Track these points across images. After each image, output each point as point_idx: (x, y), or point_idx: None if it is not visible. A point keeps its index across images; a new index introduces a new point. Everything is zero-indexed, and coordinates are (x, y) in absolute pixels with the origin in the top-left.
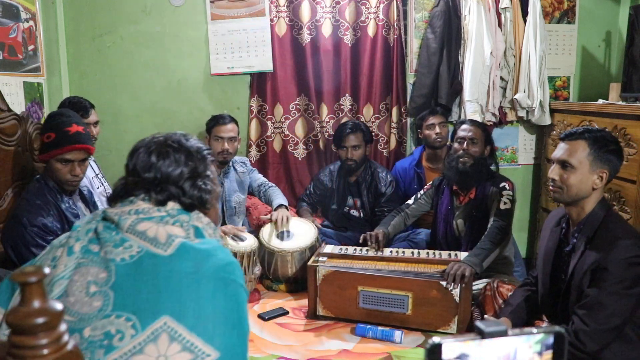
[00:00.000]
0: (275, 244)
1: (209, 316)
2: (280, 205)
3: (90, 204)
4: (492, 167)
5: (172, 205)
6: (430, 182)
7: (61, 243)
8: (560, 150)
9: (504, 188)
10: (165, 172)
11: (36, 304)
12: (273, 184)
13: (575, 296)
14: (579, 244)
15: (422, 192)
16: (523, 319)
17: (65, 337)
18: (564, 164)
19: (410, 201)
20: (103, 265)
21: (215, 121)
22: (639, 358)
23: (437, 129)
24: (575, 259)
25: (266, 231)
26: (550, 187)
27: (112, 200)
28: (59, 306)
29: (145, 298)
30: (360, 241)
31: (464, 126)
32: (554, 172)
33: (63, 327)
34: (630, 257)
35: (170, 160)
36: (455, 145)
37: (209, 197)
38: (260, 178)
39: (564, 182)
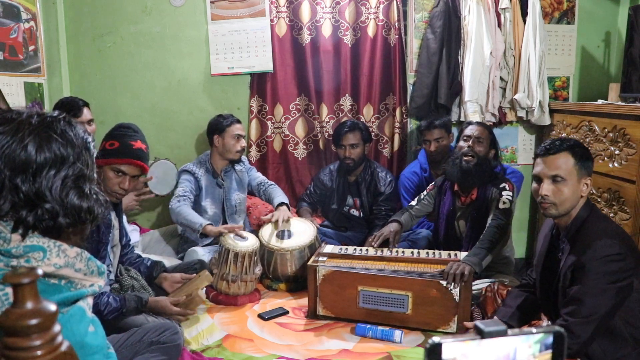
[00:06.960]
0: (275, 243)
1: None
2: (282, 204)
3: (121, 212)
4: (497, 170)
5: (17, 241)
6: (433, 183)
7: None
8: (546, 166)
9: (503, 189)
10: (47, 174)
11: (29, 305)
12: (273, 182)
13: (562, 297)
14: (566, 248)
15: (425, 192)
16: (522, 322)
17: (59, 338)
18: (554, 178)
19: (413, 202)
20: None
21: (230, 119)
22: (630, 355)
23: (432, 147)
24: (562, 261)
25: (266, 231)
26: (544, 204)
27: None
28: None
29: None
30: (376, 244)
31: (471, 126)
32: (546, 188)
33: (57, 328)
34: (606, 255)
35: (53, 156)
36: (461, 143)
37: (97, 208)
38: (259, 176)
39: (558, 196)
